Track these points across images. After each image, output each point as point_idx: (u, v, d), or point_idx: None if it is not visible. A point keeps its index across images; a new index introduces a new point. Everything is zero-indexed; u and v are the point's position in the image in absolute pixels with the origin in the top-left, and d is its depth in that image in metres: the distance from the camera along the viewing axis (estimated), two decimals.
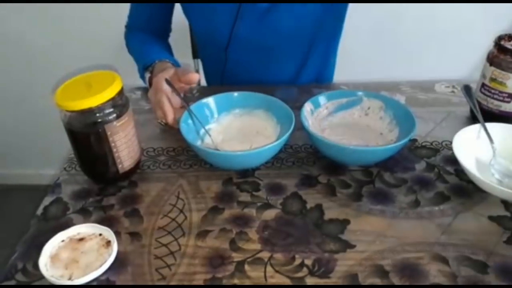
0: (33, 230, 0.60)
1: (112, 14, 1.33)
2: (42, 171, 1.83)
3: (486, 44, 1.48)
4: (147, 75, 0.85)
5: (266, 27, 0.87)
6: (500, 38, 0.72)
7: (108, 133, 0.61)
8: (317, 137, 0.64)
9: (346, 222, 0.59)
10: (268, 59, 0.94)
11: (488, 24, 1.44)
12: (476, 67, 1.51)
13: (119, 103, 0.62)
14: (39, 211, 0.63)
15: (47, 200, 0.64)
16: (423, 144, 0.73)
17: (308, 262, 0.53)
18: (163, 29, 1.00)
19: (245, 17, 0.86)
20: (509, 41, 0.73)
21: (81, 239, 0.57)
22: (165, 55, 0.86)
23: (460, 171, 0.67)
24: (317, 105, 0.73)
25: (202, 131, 0.72)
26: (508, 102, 0.72)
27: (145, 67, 0.86)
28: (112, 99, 0.60)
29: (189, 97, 0.87)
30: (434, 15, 1.42)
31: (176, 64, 0.85)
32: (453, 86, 0.89)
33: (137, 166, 0.68)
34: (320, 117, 0.74)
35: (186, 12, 0.94)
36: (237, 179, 0.67)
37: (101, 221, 0.60)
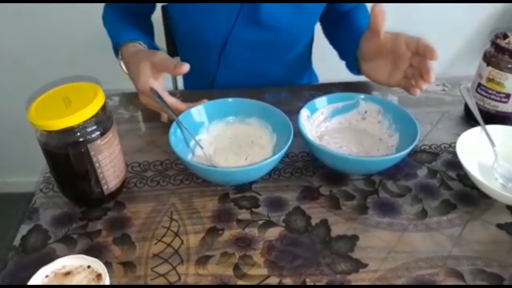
0: (11, 265, 0.53)
1: (83, 15, 1.25)
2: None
3: (460, 40, 1.51)
4: (120, 60, 0.79)
5: (265, 29, 0.82)
6: (496, 36, 0.71)
7: (92, 153, 0.55)
8: (319, 148, 0.60)
9: (354, 238, 0.56)
10: (265, 60, 0.89)
11: (460, 19, 1.45)
12: (450, 62, 1.54)
13: (103, 119, 0.56)
14: (16, 241, 0.56)
15: (24, 229, 0.58)
16: (422, 148, 0.70)
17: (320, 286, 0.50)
18: (146, 6, 0.92)
19: (245, 20, 0.81)
20: (504, 39, 0.71)
21: (68, 273, 0.51)
22: (137, 36, 0.79)
23: (462, 176, 0.65)
24: (313, 111, 0.69)
25: (192, 142, 0.67)
26: (506, 102, 0.71)
27: (116, 48, 0.80)
28: (95, 115, 0.54)
29: None
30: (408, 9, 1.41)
31: (150, 46, 0.79)
32: (444, 84, 0.87)
33: (123, 184, 0.62)
34: (316, 123, 0.70)
35: (175, 15, 0.88)
36: (234, 195, 0.62)
37: (88, 251, 0.55)
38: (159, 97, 0.65)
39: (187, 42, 0.94)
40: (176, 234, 0.57)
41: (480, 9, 1.44)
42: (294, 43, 0.90)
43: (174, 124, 0.64)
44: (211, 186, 0.64)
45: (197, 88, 1.01)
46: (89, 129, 0.54)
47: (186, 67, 0.66)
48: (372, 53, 0.73)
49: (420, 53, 0.65)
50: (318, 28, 1.11)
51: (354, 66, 0.80)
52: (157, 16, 0.94)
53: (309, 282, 0.50)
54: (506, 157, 0.64)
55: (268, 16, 0.80)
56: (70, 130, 0.53)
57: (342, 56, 0.88)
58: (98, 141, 0.55)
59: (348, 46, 0.81)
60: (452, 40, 1.50)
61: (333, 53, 0.92)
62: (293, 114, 0.67)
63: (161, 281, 0.51)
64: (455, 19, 1.44)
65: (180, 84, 1.11)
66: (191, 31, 0.87)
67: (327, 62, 1.14)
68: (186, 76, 1.04)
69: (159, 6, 0.91)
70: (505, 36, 0.71)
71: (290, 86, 0.89)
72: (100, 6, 0.89)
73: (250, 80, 0.91)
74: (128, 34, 0.80)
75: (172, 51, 1.14)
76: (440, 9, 1.40)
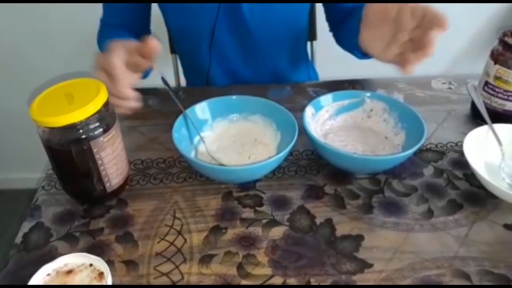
0: (13, 263, 0.53)
1: (86, 10, 1.24)
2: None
3: (465, 38, 1.50)
4: None
5: (249, 17, 0.82)
6: (504, 34, 0.70)
7: (94, 150, 0.54)
8: (324, 146, 0.59)
9: (360, 238, 0.55)
10: (255, 51, 0.89)
11: (465, 17, 1.44)
12: (455, 60, 1.53)
13: (106, 115, 0.55)
14: (18, 239, 0.56)
15: (26, 226, 0.57)
16: (428, 146, 0.70)
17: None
18: (141, 29, 0.92)
19: (228, 8, 0.81)
20: None
21: (70, 272, 0.51)
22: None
23: (469, 176, 0.64)
24: (318, 108, 0.69)
25: (195, 139, 0.67)
26: None
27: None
28: (98, 112, 0.53)
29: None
30: None
31: None
32: (450, 83, 0.86)
33: (126, 182, 0.62)
34: (321, 121, 0.69)
35: (163, 10, 0.87)
36: (238, 193, 0.62)
37: (91, 249, 0.54)
38: (167, 83, 0.63)
39: (179, 37, 0.94)
40: (179, 233, 0.56)
41: (485, 7, 1.43)
42: (282, 32, 0.89)
43: (177, 120, 0.63)
44: (214, 184, 0.63)
45: (194, 84, 1.01)
46: (91, 126, 0.53)
47: (152, 44, 0.57)
48: (374, 17, 0.66)
49: (426, 23, 0.58)
50: (321, 28, 1.10)
51: (356, 44, 0.72)
52: (158, 14, 0.93)
53: (313, 282, 0.50)
54: None
55: (249, 5, 0.80)
56: (72, 127, 0.52)
57: (350, 42, 0.80)
58: (101, 138, 0.54)
59: (354, 30, 0.74)
60: (458, 38, 1.49)
61: (335, 51, 0.90)
62: (297, 111, 0.66)
63: (163, 280, 0.51)
64: (460, 17, 1.42)
65: (183, 82, 1.10)
66: (178, 25, 0.86)
67: (329, 61, 1.14)
68: (185, 74, 1.04)
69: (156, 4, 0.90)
70: None
71: (287, 80, 0.88)
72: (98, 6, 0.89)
73: (244, 73, 0.91)
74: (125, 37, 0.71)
75: (172, 48, 1.14)
76: (444, 7, 1.39)
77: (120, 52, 0.58)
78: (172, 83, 1.17)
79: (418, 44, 0.59)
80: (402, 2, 0.62)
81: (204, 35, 0.86)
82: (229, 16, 0.83)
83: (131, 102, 0.59)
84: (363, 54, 0.75)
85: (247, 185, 0.63)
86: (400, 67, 0.62)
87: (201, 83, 0.96)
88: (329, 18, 0.92)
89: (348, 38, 0.82)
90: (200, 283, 0.50)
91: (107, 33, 0.86)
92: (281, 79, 0.92)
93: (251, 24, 0.84)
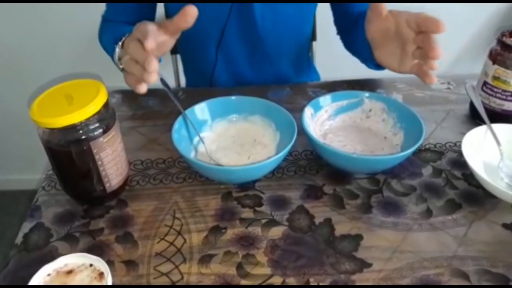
0: (13, 263, 0.53)
1: (85, 11, 1.24)
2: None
3: (464, 38, 1.50)
4: (118, 49, 0.65)
5: (260, 20, 0.82)
6: (502, 34, 0.70)
7: (94, 151, 0.54)
8: (323, 146, 0.60)
9: (359, 237, 0.55)
10: (262, 54, 0.89)
11: (464, 17, 1.44)
12: (454, 60, 1.53)
13: (105, 116, 0.55)
14: (19, 239, 0.56)
15: (26, 227, 0.58)
16: (427, 146, 0.70)
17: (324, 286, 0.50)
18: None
19: (239, 10, 0.81)
20: (510, 37, 0.70)
21: (70, 272, 0.51)
22: None
23: (468, 175, 0.64)
24: (317, 109, 0.69)
25: (195, 140, 0.67)
26: (511, 101, 0.70)
27: (116, 40, 0.65)
28: (98, 112, 0.53)
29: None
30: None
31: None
32: (449, 83, 0.86)
33: (126, 182, 0.62)
34: (320, 121, 0.70)
35: (170, 10, 0.87)
36: (237, 193, 0.62)
37: (91, 249, 0.54)
38: (166, 84, 0.63)
39: (185, 38, 0.94)
40: (179, 233, 0.56)
41: (484, 7, 1.43)
42: (290, 37, 0.89)
43: (176, 121, 0.64)
44: (214, 185, 0.63)
45: (197, 85, 1.01)
46: (91, 127, 0.53)
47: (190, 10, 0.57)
48: (378, 38, 0.67)
49: (423, 29, 0.58)
50: (321, 29, 1.10)
51: (371, 59, 0.73)
52: (159, 15, 0.93)
53: (312, 282, 0.50)
54: (511, 156, 0.63)
55: (261, 6, 0.80)
56: (72, 128, 0.52)
57: (362, 55, 0.82)
58: (101, 139, 0.54)
59: (364, 43, 0.74)
60: (457, 38, 1.49)
61: (335, 52, 0.91)
62: (296, 112, 0.67)
63: (163, 280, 0.51)
64: (459, 17, 1.43)
65: (183, 82, 1.10)
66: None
67: (329, 61, 1.14)
68: (187, 74, 1.04)
69: (161, 5, 0.90)
70: (511, 34, 0.70)
71: (290, 82, 0.88)
72: (102, 4, 0.89)
73: (248, 75, 0.91)
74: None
75: (172, 49, 1.14)
76: (444, 7, 1.39)
77: (150, 26, 0.56)
78: (172, 83, 1.18)
79: (424, 51, 0.59)
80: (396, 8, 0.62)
81: (213, 37, 0.86)
82: (240, 20, 0.83)
83: (154, 75, 0.55)
84: (376, 66, 0.76)
85: (246, 185, 0.63)
86: (420, 78, 0.62)
87: (204, 84, 0.96)
88: (336, 22, 0.92)
89: (358, 50, 0.83)
90: (200, 283, 0.50)
91: (111, 26, 0.85)
92: (285, 81, 0.92)
93: (262, 29, 0.84)
